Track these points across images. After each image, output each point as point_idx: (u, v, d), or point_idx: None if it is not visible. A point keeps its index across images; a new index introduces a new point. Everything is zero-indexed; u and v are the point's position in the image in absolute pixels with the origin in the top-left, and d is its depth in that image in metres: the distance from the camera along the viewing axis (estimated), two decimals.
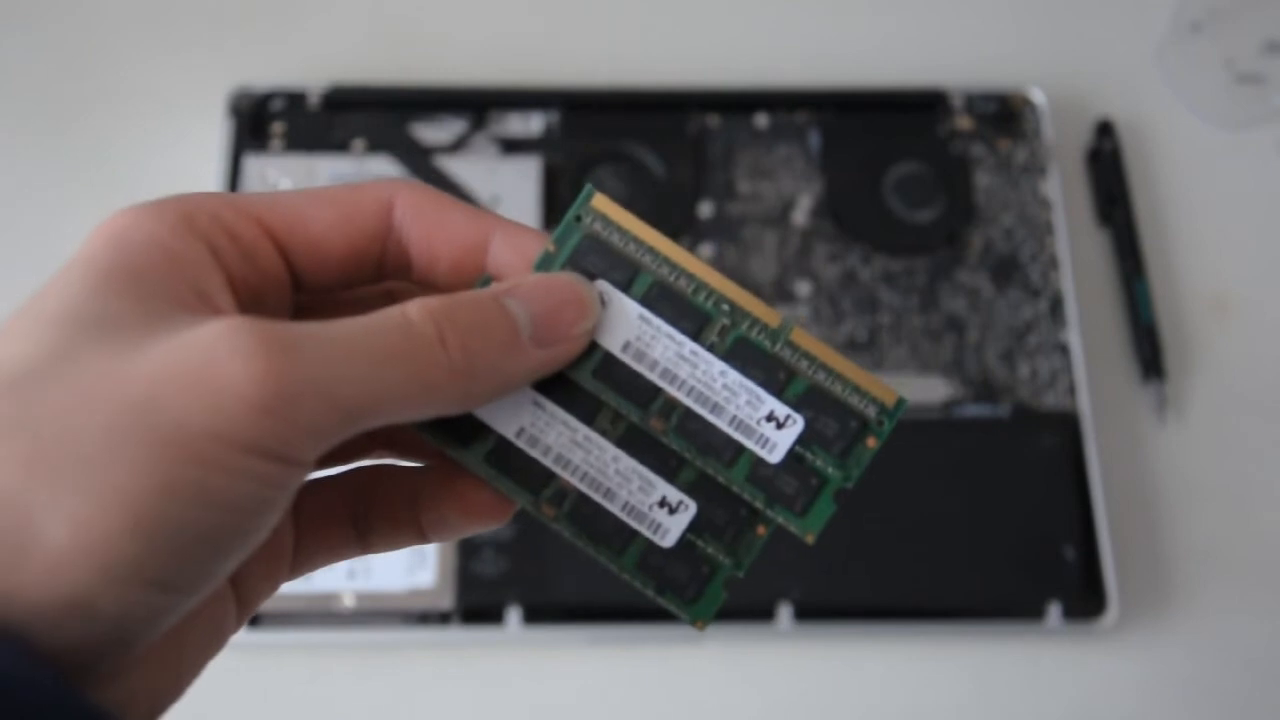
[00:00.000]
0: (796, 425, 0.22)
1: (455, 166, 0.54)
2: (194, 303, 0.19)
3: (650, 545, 0.22)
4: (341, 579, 0.47)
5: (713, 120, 0.56)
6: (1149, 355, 0.53)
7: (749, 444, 0.22)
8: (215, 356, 0.17)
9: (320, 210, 0.21)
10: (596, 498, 0.22)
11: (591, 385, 0.22)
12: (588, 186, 0.23)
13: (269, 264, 0.21)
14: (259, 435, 0.17)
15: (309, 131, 0.55)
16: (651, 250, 0.22)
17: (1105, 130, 0.58)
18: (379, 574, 0.47)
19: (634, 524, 0.22)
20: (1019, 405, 0.51)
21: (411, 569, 0.47)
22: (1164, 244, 0.57)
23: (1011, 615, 0.49)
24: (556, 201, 0.54)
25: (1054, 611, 0.48)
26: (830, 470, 0.22)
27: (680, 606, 0.23)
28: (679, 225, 0.54)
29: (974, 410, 0.51)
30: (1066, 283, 0.53)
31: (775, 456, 0.22)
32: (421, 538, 0.23)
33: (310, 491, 0.23)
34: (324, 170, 0.54)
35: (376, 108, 0.55)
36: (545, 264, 0.22)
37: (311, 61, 0.58)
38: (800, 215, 0.55)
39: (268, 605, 0.47)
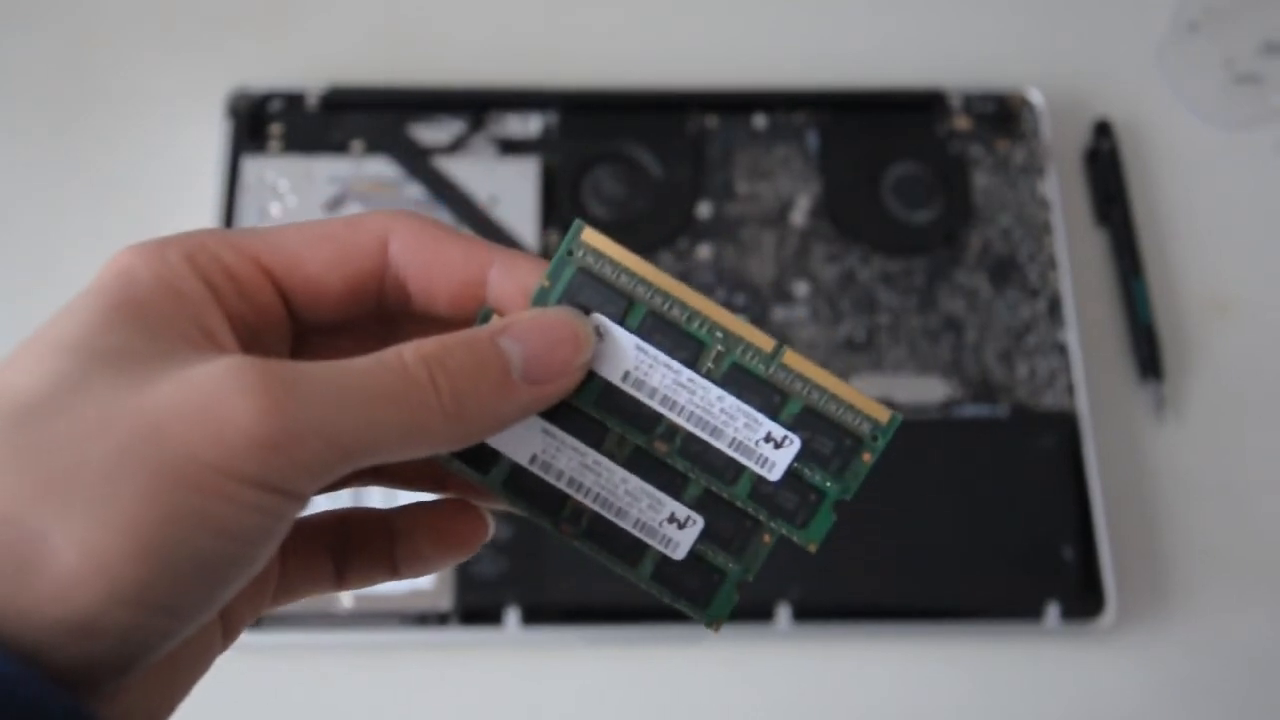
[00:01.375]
0: (794, 445, 0.23)
1: (454, 167, 0.54)
2: (198, 339, 0.20)
3: (663, 557, 0.24)
4: None
5: (711, 121, 0.56)
6: (1147, 355, 0.54)
7: (749, 464, 0.23)
8: (221, 392, 0.18)
9: (317, 249, 0.22)
10: (610, 516, 0.23)
11: (596, 413, 0.23)
12: (577, 221, 0.23)
13: (267, 303, 0.22)
14: (260, 469, 0.18)
15: (307, 133, 0.55)
16: (644, 281, 0.23)
17: (1103, 130, 0.58)
18: None
19: (646, 539, 0.23)
20: (1017, 405, 0.51)
21: None
22: (1162, 244, 0.57)
23: (1010, 615, 0.49)
24: (555, 202, 0.54)
25: (1052, 611, 0.48)
26: (828, 485, 0.23)
27: (695, 611, 0.24)
28: (677, 226, 0.54)
29: (972, 410, 0.51)
30: (1065, 283, 0.53)
31: (775, 475, 0.23)
32: (394, 574, 0.24)
33: (295, 526, 0.24)
34: (322, 171, 0.54)
35: (375, 109, 0.55)
36: (541, 299, 0.23)
37: (310, 62, 0.58)
38: (798, 216, 0.55)
39: None
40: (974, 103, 0.57)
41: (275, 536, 0.19)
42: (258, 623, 0.47)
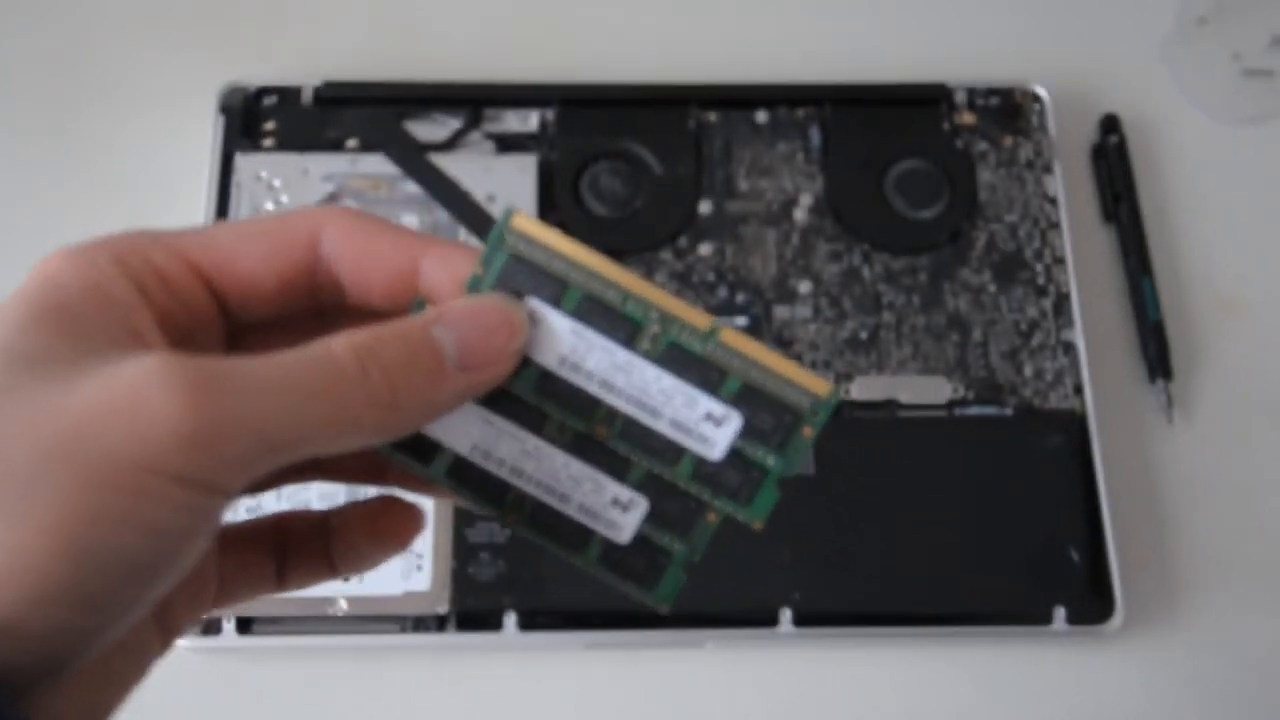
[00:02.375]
0: (734, 422, 0.23)
1: (450, 164, 0.53)
2: (125, 340, 0.20)
3: (609, 541, 0.24)
4: (336, 583, 0.46)
5: (712, 117, 0.55)
6: (1156, 354, 0.53)
7: (689, 443, 0.23)
8: (143, 390, 0.18)
9: (248, 246, 0.22)
10: (553, 502, 0.23)
11: (534, 399, 0.23)
12: (506, 207, 0.23)
13: (198, 302, 0.22)
14: (184, 465, 0.18)
15: (301, 129, 0.54)
16: (577, 265, 0.23)
17: (1110, 125, 0.57)
18: (373, 578, 0.47)
19: (590, 523, 0.23)
20: (1023, 405, 0.51)
21: (407, 573, 0.47)
22: (1170, 241, 0.56)
23: (1016, 619, 0.48)
24: (554, 200, 0.53)
25: (1059, 615, 0.47)
26: (770, 461, 0.23)
27: (643, 593, 0.24)
28: (678, 223, 0.53)
29: (978, 410, 0.51)
30: (1071, 281, 0.53)
31: (716, 453, 0.23)
32: (333, 571, 0.25)
33: (233, 527, 0.24)
34: (317, 169, 0.53)
35: (370, 104, 0.54)
36: (475, 286, 0.23)
37: (305, 58, 0.57)
38: (801, 213, 0.54)
39: (261, 609, 0.46)
40: (979, 98, 0.56)
41: (203, 533, 0.19)
42: (249, 625, 0.46)
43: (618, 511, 0.23)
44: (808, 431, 0.23)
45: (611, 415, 0.23)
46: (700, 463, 0.23)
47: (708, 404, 0.23)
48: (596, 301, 0.23)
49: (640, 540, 0.24)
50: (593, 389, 0.23)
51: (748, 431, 0.23)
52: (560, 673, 0.48)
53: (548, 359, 0.23)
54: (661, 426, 0.23)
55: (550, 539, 0.24)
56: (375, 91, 0.55)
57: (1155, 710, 0.48)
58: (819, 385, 0.23)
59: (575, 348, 0.23)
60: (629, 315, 0.23)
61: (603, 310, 0.23)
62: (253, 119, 0.54)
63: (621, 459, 0.23)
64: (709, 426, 0.23)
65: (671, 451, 0.23)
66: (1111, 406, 0.52)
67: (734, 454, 0.23)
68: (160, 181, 0.55)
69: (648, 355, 0.23)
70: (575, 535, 0.24)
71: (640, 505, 0.23)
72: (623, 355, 0.23)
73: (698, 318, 0.23)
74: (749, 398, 0.23)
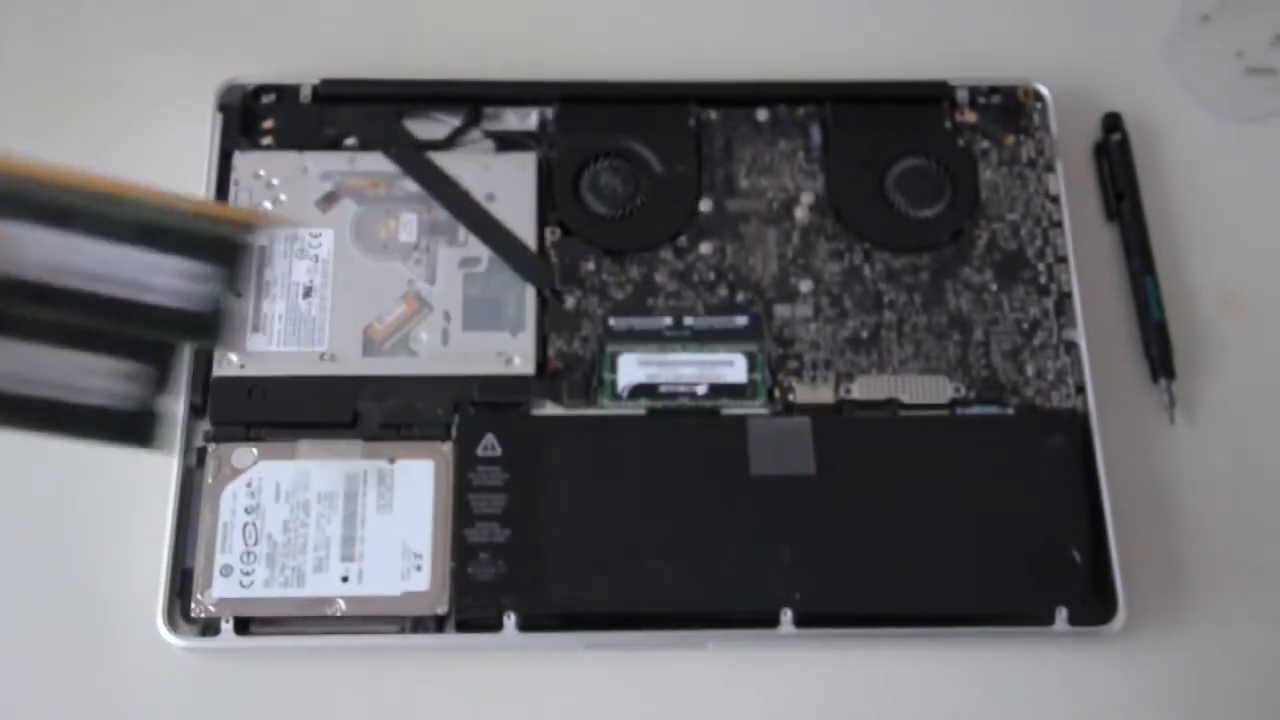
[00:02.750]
0: (188, 270, 0.26)
1: (449, 163, 0.53)
2: None
3: (106, 410, 0.26)
4: (334, 584, 0.46)
5: (712, 115, 0.55)
6: (1158, 353, 0.53)
7: (152, 299, 0.26)
8: None
9: None
10: (59, 395, 0.26)
11: (21, 310, 0.25)
12: None
13: None
14: None
15: (300, 127, 0.54)
16: (33, 179, 0.25)
17: (1112, 123, 0.57)
18: (373, 578, 0.46)
19: (90, 400, 0.26)
20: (1025, 405, 0.51)
21: (406, 573, 0.47)
22: (1173, 240, 0.56)
23: (1018, 620, 0.47)
24: (553, 198, 0.53)
25: (1061, 616, 0.47)
26: (220, 290, 0.26)
27: (138, 443, 0.27)
28: (678, 222, 0.53)
29: (979, 410, 0.50)
30: (1073, 280, 0.52)
31: (177, 301, 0.26)
32: None
33: None
34: (315, 167, 0.53)
35: (369, 102, 0.54)
36: None
37: (303, 55, 0.57)
38: (802, 211, 0.54)
39: (257, 609, 0.46)
40: (980, 96, 0.56)
41: None
42: (247, 625, 0.46)
43: (110, 381, 0.26)
44: (244, 257, 0.27)
45: (89, 299, 0.25)
46: (162, 311, 0.26)
47: (163, 261, 0.26)
48: (52, 207, 0.25)
49: (128, 401, 0.26)
50: (74, 283, 0.25)
51: (200, 275, 0.26)
52: (560, 673, 0.48)
53: (24, 270, 0.25)
54: (132, 293, 0.26)
55: (60, 431, 0.26)
56: (374, 89, 0.54)
57: (1158, 712, 0.48)
58: (253, 217, 0.27)
59: (43, 253, 0.25)
60: (81, 210, 0.25)
61: (58, 212, 0.25)
62: (251, 117, 0.54)
63: (105, 337, 0.26)
64: (164, 279, 0.26)
65: (141, 311, 0.26)
66: (1114, 406, 0.51)
67: (191, 297, 0.26)
68: (159, 180, 0.54)
69: (107, 238, 0.25)
70: (88, 419, 0.26)
71: (130, 370, 0.26)
72: (86, 247, 0.25)
73: (146, 193, 0.26)
74: (198, 244, 0.26)
